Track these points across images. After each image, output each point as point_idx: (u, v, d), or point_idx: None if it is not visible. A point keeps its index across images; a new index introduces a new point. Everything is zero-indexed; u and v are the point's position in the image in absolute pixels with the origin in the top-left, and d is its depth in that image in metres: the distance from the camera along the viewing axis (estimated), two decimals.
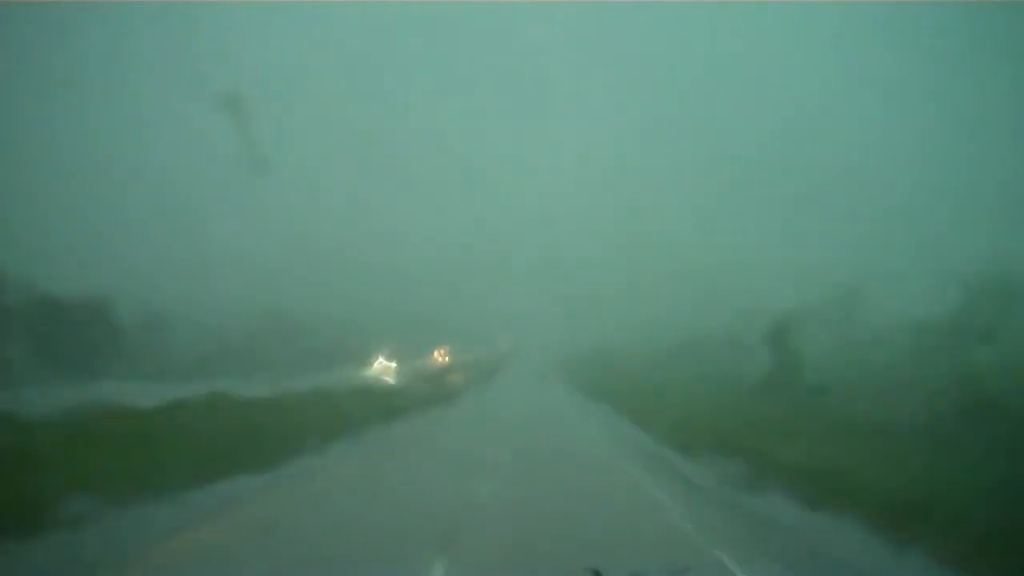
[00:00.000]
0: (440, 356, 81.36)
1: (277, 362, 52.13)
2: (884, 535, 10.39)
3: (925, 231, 75.16)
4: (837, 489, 13.06)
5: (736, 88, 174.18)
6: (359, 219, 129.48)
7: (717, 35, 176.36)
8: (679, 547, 10.54)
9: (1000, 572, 8.62)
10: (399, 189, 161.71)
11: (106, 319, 43.57)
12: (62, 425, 18.14)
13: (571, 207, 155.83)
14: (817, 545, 10.74)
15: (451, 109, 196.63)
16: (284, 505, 13.78)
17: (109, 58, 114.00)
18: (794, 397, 27.21)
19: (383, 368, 64.44)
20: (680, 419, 26.32)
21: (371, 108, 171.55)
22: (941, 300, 41.70)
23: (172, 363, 47.92)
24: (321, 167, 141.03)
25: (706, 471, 17.54)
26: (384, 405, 35.17)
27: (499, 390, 61.28)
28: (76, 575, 9.33)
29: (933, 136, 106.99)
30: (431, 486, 16.18)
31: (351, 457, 21.17)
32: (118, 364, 41.86)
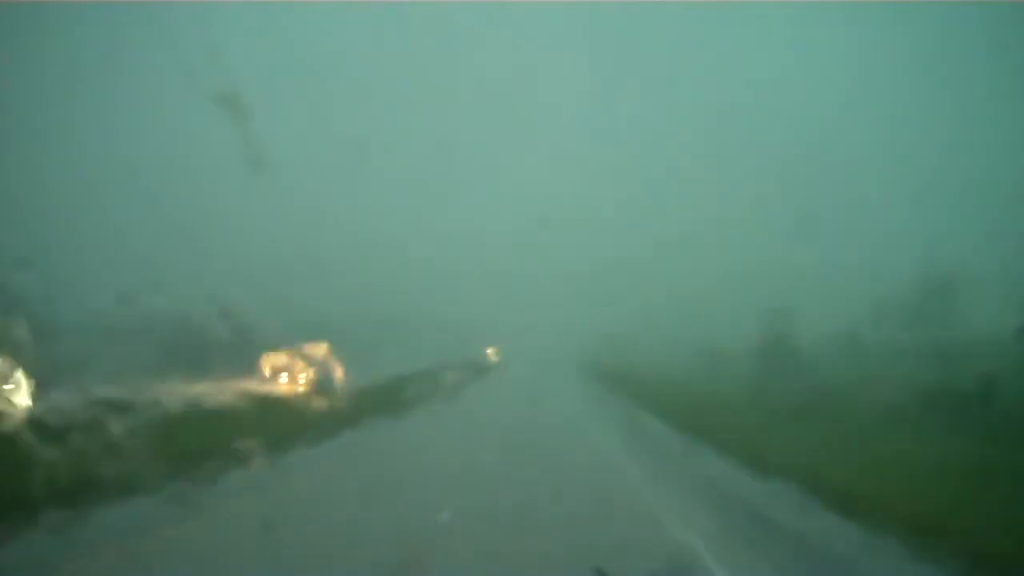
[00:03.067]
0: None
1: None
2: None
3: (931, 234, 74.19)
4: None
5: (744, 89, 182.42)
6: (358, 220, 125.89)
7: (723, 35, 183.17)
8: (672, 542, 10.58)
9: None
10: (398, 190, 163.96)
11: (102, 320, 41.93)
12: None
13: (573, 207, 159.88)
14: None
15: (450, 110, 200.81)
16: (283, 502, 13.73)
17: (108, 58, 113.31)
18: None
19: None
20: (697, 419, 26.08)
21: (369, 108, 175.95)
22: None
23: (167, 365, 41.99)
24: (317, 169, 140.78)
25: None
26: (388, 400, 34.77)
27: (503, 380, 61.99)
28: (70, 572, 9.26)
29: (944, 138, 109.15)
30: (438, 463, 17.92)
31: (350, 453, 21.26)
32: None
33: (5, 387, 23.45)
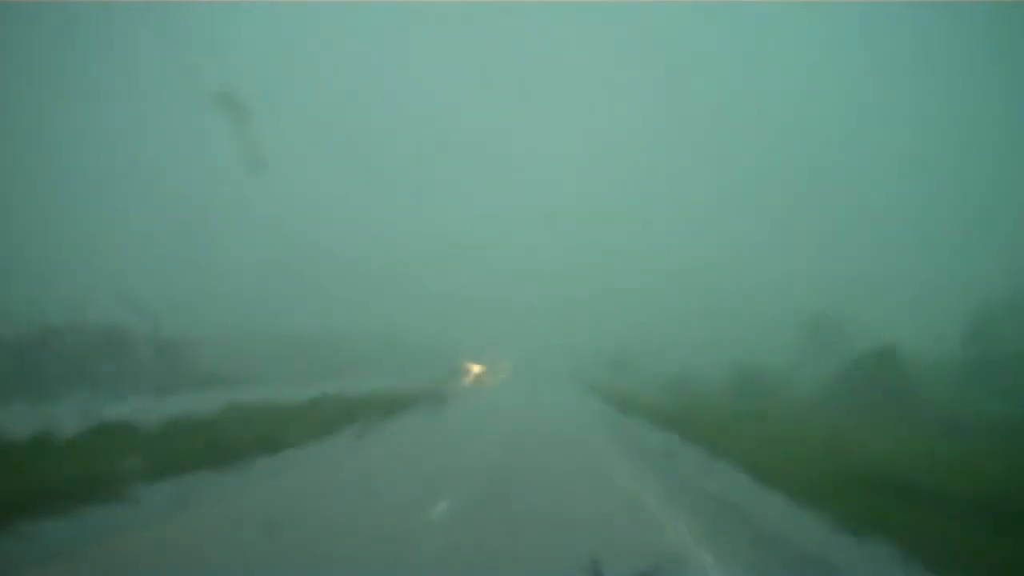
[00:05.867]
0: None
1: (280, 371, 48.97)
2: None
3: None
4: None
5: (751, 89, 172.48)
6: (358, 223, 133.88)
7: (728, 34, 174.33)
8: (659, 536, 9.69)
9: None
10: (398, 192, 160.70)
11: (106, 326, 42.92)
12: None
13: (573, 210, 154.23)
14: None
15: (451, 110, 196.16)
16: (281, 501, 13.05)
17: (108, 58, 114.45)
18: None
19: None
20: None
21: (369, 108, 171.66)
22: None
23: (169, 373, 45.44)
24: (318, 169, 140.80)
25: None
26: (383, 406, 33.33)
27: (499, 391, 58.72)
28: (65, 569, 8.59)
29: (948, 139, 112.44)
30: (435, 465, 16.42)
31: (348, 456, 20.21)
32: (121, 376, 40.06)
33: None
